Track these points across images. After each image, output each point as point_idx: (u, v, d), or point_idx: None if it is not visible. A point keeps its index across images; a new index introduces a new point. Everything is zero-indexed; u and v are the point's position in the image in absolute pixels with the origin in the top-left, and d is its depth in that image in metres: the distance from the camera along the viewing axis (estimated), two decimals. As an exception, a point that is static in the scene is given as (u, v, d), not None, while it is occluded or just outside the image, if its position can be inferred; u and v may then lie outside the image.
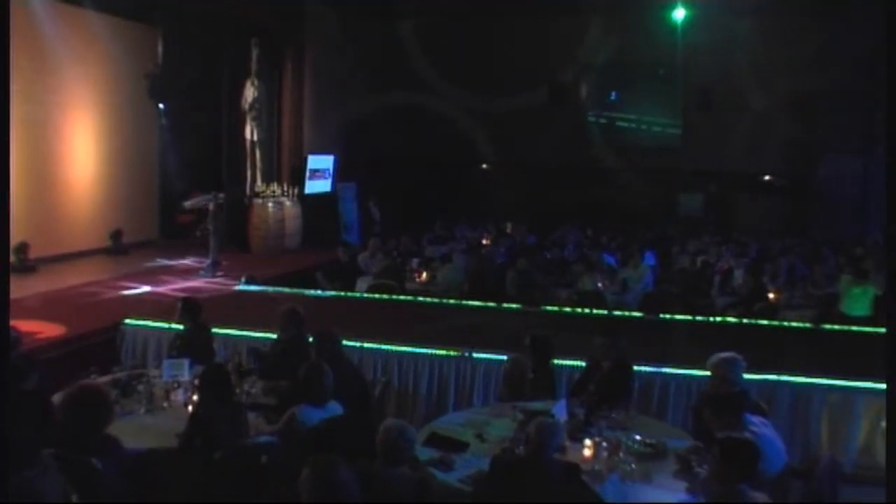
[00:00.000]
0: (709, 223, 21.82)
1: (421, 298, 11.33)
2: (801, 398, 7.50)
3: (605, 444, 5.26)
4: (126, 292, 11.25)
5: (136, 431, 5.46)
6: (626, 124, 23.74)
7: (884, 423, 6.46)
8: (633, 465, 5.09)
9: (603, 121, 23.80)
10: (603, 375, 6.37)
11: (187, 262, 14.14)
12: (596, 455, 5.19)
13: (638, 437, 5.50)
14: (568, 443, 5.29)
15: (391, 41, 21.18)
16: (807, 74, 21.26)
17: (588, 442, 5.30)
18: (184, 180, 16.03)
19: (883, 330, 10.11)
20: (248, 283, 12.02)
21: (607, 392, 6.05)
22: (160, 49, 15.30)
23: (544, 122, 22.59)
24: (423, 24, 21.68)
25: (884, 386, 7.19)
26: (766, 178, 23.23)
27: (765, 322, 10.40)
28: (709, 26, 20.13)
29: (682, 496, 4.74)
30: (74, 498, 3.80)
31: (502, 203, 21.06)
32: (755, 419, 5.37)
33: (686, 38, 20.25)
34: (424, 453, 5.22)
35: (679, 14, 19.10)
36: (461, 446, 5.39)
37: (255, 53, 17.35)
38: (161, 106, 15.81)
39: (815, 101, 21.85)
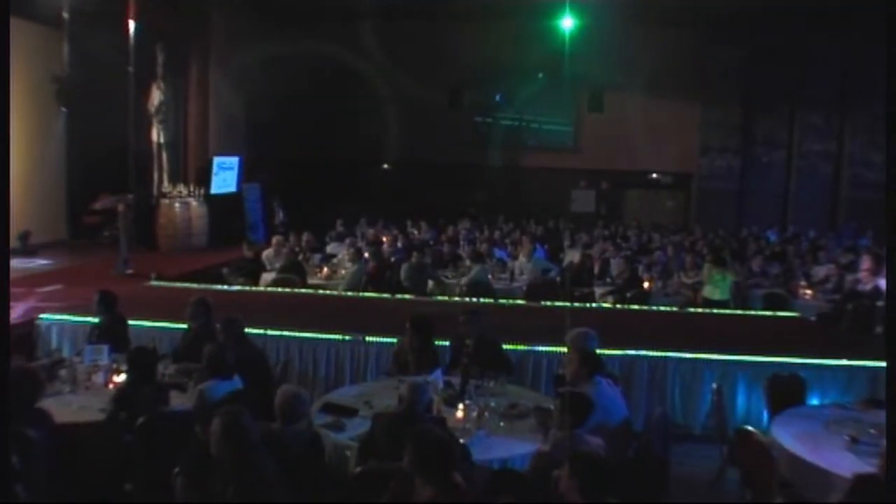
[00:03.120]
0: (599, 218, 22.98)
1: (321, 291, 12.12)
2: (656, 369, 8.58)
3: (474, 407, 6.20)
4: (39, 290, 11.67)
5: (61, 408, 6.11)
6: (520, 124, 24.75)
7: (714, 385, 7.53)
8: (501, 423, 6.07)
9: (498, 122, 24.80)
10: (470, 350, 7.32)
11: (97, 261, 14.55)
12: (467, 416, 6.11)
13: (505, 401, 6.45)
14: (444, 408, 6.21)
15: (295, 45, 21.68)
16: (688, 79, 22.74)
17: (460, 406, 6.22)
18: (91, 182, 16.35)
19: (738, 312, 11.49)
20: (157, 279, 12.62)
21: (479, 364, 6.98)
22: (66, 53, 15.56)
23: (443, 123, 23.44)
24: (326, 28, 22.24)
25: (727, 357, 8.44)
26: (653, 175, 24.57)
27: (636, 307, 11.60)
28: (600, 32, 21.25)
29: (536, 445, 5.69)
30: (15, 463, 4.54)
31: (402, 201, 21.77)
32: (604, 380, 6.36)
33: (579, 43, 21.31)
34: (320, 418, 6.07)
35: (567, 22, 20.11)
36: (352, 412, 6.24)
37: (160, 58, 17.81)
38: (67, 109, 16.04)
39: (696, 104, 23.35)
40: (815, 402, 7.72)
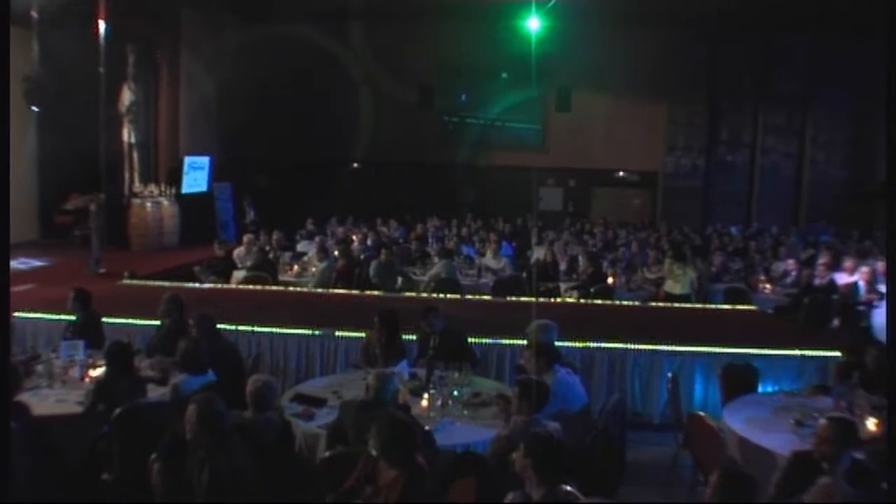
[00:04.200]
0: (567, 216, 23.32)
1: (291, 288, 12.35)
2: (616, 361, 8.91)
3: (438, 396, 6.47)
4: (12, 289, 11.76)
5: (39, 402, 6.31)
6: (489, 124, 25.00)
7: (670, 374, 7.84)
8: (464, 412, 6.35)
9: (466, 122, 25.08)
10: (436, 343, 7.61)
11: (70, 260, 14.67)
12: (431, 405, 6.39)
13: (468, 391, 6.73)
14: (410, 398, 6.48)
15: (265, 45, 21.78)
16: (654, 79, 23.15)
17: (425, 395, 6.49)
18: (62, 182, 16.43)
19: (698, 305, 11.84)
20: (130, 278, 12.78)
21: (444, 356, 7.26)
22: (36, 53, 15.57)
23: (412, 123, 23.68)
24: (297, 29, 22.36)
25: (684, 348, 8.76)
26: (620, 173, 24.95)
27: (599, 301, 11.92)
28: (567, 33, 21.55)
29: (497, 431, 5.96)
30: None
31: (372, 200, 21.94)
32: (562, 370, 6.66)
33: (546, 43, 21.59)
34: (290, 408, 6.32)
35: (534, 23, 20.40)
36: (321, 402, 6.49)
37: (131, 58, 17.92)
38: (37, 109, 16.07)
39: (662, 104, 23.77)
40: (768, 389, 8.05)
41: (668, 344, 8.93)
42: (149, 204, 17.45)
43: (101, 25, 15.19)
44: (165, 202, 17.91)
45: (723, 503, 3.96)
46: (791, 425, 6.20)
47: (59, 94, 15.55)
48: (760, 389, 7.79)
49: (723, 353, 8.70)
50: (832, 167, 23.83)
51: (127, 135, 18.00)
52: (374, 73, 23.00)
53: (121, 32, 16.74)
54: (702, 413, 6.62)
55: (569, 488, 4.44)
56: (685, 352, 8.87)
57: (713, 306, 12.04)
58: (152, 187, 17.96)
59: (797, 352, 8.87)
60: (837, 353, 8.35)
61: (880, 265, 13.71)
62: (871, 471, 4.79)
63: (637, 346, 8.93)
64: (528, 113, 24.76)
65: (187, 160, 19.59)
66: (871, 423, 6.06)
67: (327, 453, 5.30)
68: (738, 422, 6.41)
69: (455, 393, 6.56)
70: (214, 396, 4.97)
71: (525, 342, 7.67)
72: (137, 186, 17.95)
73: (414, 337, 8.27)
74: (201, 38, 20.20)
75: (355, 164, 25.02)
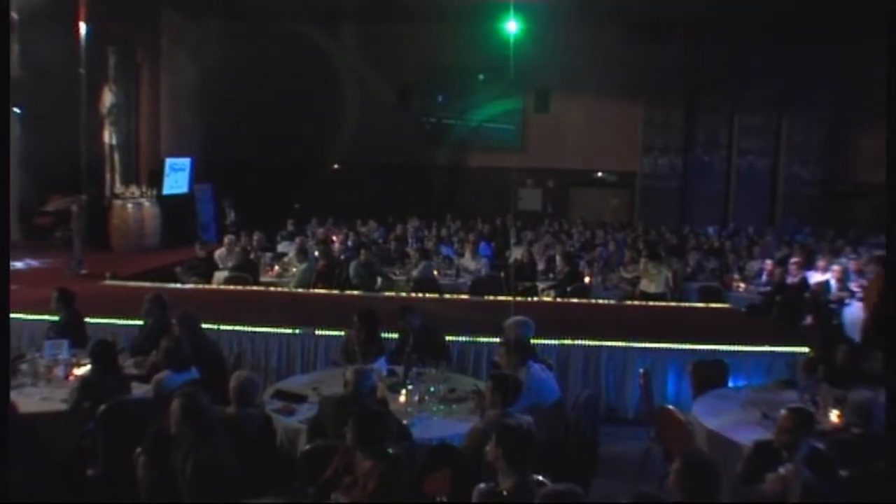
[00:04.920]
0: (546, 216, 23.52)
1: (272, 288, 12.50)
2: (591, 357, 9.14)
3: (416, 392, 6.65)
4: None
5: (24, 400, 6.41)
6: (467, 125, 25.12)
7: (641, 370, 8.04)
8: (440, 407, 6.53)
9: (446, 123, 25.20)
10: (413, 341, 7.80)
11: (51, 261, 14.74)
12: (409, 401, 6.56)
13: (445, 387, 6.90)
14: (388, 394, 6.64)
15: (246, 47, 21.87)
16: (631, 80, 23.40)
17: (403, 391, 6.67)
18: (42, 184, 16.47)
19: (672, 303, 12.04)
20: (112, 279, 12.88)
21: (421, 353, 7.45)
22: (16, 54, 15.55)
23: (392, 124, 23.76)
24: (277, 31, 22.47)
25: (656, 345, 8.97)
26: (598, 174, 25.17)
27: (575, 300, 12.14)
28: (545, 34, 21.74)
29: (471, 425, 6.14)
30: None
31: (352, 201, 22.05)
32: (536, 365, 6.84)
33: (524, 45, 21.76)
34: (272, 404, 6.48)
35: (511, 25, 20.58)
36: (301, 398, 6.65)
37: (112, 60, 17.99)
38: (17, 111, 16.13)
39: (639, 105, 24.02)
40: (739, 385, 8.26)
41: (641, 341, 9.16)
42: (130, 205, 17.52)
43: (82, 27, 15.22)
44: (147, 203, 17.98)
45: (685, 488, 4.14)
46: (758, 418, 6.41)
47: (40, 95, 15.59)
48: (731, 384, 7.99)
49: (695, 350, 8.90)
50: (807, 167, 24.13)
51: (108, 136, 18.05)
52: (353, 74, 23.08)
53: (101, 34, 16.73)
54: (671, 407, 6.83)
55: (540, 478, 4.63)
56: (658, 349, 9.09)
57: (687, 304, 12.28)
58: (133, 188, 18.03)
59: (768, 348, 9.11)
60: (806, 350, 8.60)
61: (852, 263, 14.04)
62: (829, 458, 5.02)
63: (611, 343, 9.15)
64: (507, 114, 24.90)
65: (168, 161, 19.69)
66: (834, 416, 6.27)
67: (307, 446, 5.46)
68: (706, 415, 6.63)
69: (432, 389, 6.73)
70: (198, 390, 5.12)
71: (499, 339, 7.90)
72: (119, 188, 18.02)
73: (395, 335, 8.41)
74: (182, 39, 20.29)
75: (335, 166, 25.11)
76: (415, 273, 12.92)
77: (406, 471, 4.85)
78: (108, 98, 17.87)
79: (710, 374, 7.86)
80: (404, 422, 5.98)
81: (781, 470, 4.82)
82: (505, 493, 4.41)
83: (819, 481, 4.73)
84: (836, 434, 5.80)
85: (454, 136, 24.75)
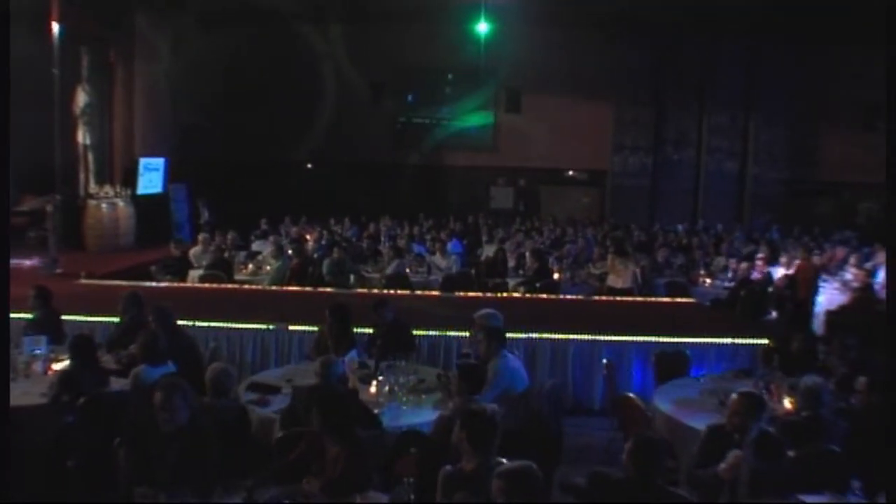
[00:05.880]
0: (517, 214, 23.80)
1: (247, 286, 12.67)
2: (558, 351, 9.39)
3: (386, 383, 6.87)
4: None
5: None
6: (440, 124, 25.37)
7: (605, 360, 8.31)
8: (410, 397, 6.76)
9: (419, 122, 25.46)
10: (384, 334, 8.03)
11: (25, 261, 14.78)
12: (379, 391, 6.78)
13: (414, 378, 7.13)
14: (360, 385, 6.87)
15: (219, 47, 21.95)
16: (602, 80, 23.73)
17: (374, 382, 6.89)
18: (15, 184, 16.47)
19: (639, 298, 12.32)
20: (87, 278, 12.99)
21: (392, 346, 7.67)
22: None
23: (365, 124, 24.04)
24: (250, 30, 22.61)
25: (622, 338, 9.23)
26: (569, 173, 25.47)
27: (544, 296, 12.40)
28: (517, 35, 22.04)
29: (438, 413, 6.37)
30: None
31: (326, 200, 22.17)
32: (509, 354, 7.08)
33: (496, 45, 22.04)
34: (247, 396, 6.69)
35: (482, 27, 20.90)
36: (275, 390, 6.86)
37: (85, 60, 18.05)
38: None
39: (609, 104, 24.35)
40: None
41: (607, 334, 9.43)
42: (104, 205, 17.60)
43: (55, 27, 15.26)
44: (121, 203, 18.08)
45: (637, 464, 4.41)
46: (715, 405, 6.67)
47: (13, 95, 15.52)
48: (694, 375, 8.27)
49: (659, 343, 9.19)
50: (774, 166, 24.57)
51: (82, 136, 18.08)
52: (327, 74, 23.24)
53: (74, 34, 16.74)
54: (631, 395, 7.10)
55: (504, 461, 4.85)
56: (623, 341, 9.37)
57: (653, 299, 12.56)
58: (108, 188, 18.11)
59: (729, 340, 9.41)
60: (766, 341, 8.91)
61: (815, 259, 14.40)
62: (777, 440, 5.29)
63: (578, 337, 9.41)
64: (479, 114, 25.16)
65: (142, 161, 19.79)
66: (787, 402, 6.56)
67: (281, 434, 5.66)
68: (666, 403, 6.92)
69: (401, 380, 6.95)
70: (179, 381, 5.30)
71: (468, 333, 8.15)
72: (93, 187, 18.08)
73: (368, 330, 8.60)
74: (156, 39, 20.32)
75: (309, 165, 25.26)
76: (388, 271, 13.14)
77: (373, 454, 5.07)
78: (81, 98, 17.90)
79: (672, 365, 8.15)
80: (375, 411, 6.22)
81: (732, 453, 5.10)
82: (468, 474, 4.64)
83: (765, 465, 5.00)
84: (788, 419, 6.09)
85: (426, 136, 24.98)
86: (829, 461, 5.25)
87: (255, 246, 16.26)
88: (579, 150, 24.65)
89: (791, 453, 5.29)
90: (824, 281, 13.21)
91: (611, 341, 9.38)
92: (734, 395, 5.56)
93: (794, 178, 24.54)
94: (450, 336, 9.31)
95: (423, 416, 6.35)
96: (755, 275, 13.40)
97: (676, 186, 25.01)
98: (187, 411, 5.15)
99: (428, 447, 5.32)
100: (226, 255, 14.19)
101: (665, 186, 24.93)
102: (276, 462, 5.29)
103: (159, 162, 20.67)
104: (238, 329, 9.43)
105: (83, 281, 12.82)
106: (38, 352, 7.52)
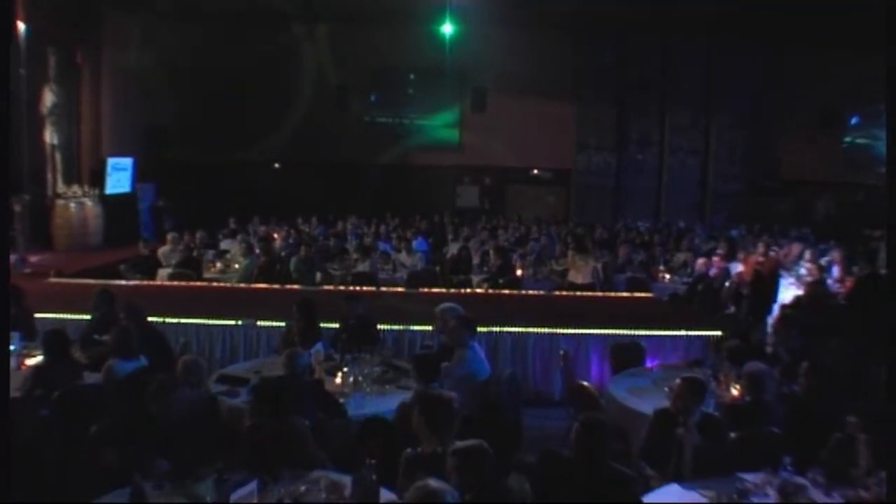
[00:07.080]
0: (483, 213, 24.16)
1: (215, 283, 12.88)
2: (518, 343, 9.72)
3: (351, 374, 7.14)
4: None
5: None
6: (406, 124, 25.70)
7: (562, 351, 8.63)
8: (374, 387, 7.04)
9: (385, 122, 25.75)
10: (351, 327, 8.30)
11: (-7, 260, 14.82)
12: (344, 382, 7.06)
13: (378, 369, 7.42)
14: (326, 376, 7.15)
15: (187, 47, 22.06)
16: (565, 80, 24.11)
17: (339, 373, 7.16)
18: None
19: (598, 293, 12.65)
20: (57, 276, 13.13)
21: (358, 339, 7.95)
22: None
23: (332, 124, 24.21)
24: (218, 31, 22.73)
25: (580, 331, 9.56)
26: (534, 171, 25.83)
27: (507, 291, 12.72)
28: (481, 36, 22.34)
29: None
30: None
31: (294, 199, 22.35)
32: (476, 345, 7.37)
33: (461, 46, 22.32)
34: (216, 388, 6.92)
35: (447, 28, 21.21)
36: (244, 381, 7.11)
37: (52, 60, 18.13)
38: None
39: (573, 104, 24.73)
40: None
41: (566, 327, 9.75)
42: (72, 204, 17.71)
43: (21, 27, 15.33)
44: (89, 203, 18.18)
45: (583, 443, 4.74)
46: (666, 393, 6.98)
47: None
48: (648, 365, 8.62)
49: (616, 335, 9.53)
50: (735, 165, 25.07)
51: (49, 136, 18.14)
52: (293, 75, 23.40)
53: (41, 34, 16.83)
54: (585, 383, 7.43)
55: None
56: (582, 334, 9.69)
57: (612, 294, 12.91)
58: (76, 188, 18.21)
59: (684, 332, 9.77)
60: (719, 333, 9.29)
61: (772, 255, 14.83)
62: (718, 422, 5.64)
63: (538, 330, 9.73)
64: (445, 113, 25.45)
65: (110, 161, 19.88)
66: (734, 390, 6.90)
67: (249, 423, 5.91)
68: (620, 391, 7.25)
69: (366, 371, 7.23)
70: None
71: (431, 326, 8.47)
72: (61, 187, 18.16)
73: (335, 325, 8.82)
74: (123, 40, 20.40)
75: (276, 165, 25.41)
76: (359, 268, 13.43)
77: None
78: (48, 98, 17.98)
79: (627, 356, 8.51)
80: (341, 400, 6.50)
81: (678, 432, 5.44)
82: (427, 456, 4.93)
83: (706, 445, 5.35)
84: (733, 404, 6.44)
85: (392, 135, 25.23)
86: (768, 442, 5.58)
87: (223, 245, 16.41)
88: (544, 149, 24.99)
89: (733, 435, 5.62)
90: (780, 276, 13.60)
91: (570, 334, 9.69)
92: (678, 381, 5.89)
93: (753, 177, 25.07)
94: (413, 330, 9.61)
95: (386, 404, 6.59)
96: (713, 271, 13.76)
97: (640, 185, 25.43)
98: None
99: (391, 433, 5.60)
100: (194, 253, 14.35)
101: (629, 185, 25.35)
102: (245, 448, 5.54)
103: (127, 162, 20.76)
104: (207, 325, 9.65)
105: (53, 280, 12.94)
106: (12, 348, 7.69)
